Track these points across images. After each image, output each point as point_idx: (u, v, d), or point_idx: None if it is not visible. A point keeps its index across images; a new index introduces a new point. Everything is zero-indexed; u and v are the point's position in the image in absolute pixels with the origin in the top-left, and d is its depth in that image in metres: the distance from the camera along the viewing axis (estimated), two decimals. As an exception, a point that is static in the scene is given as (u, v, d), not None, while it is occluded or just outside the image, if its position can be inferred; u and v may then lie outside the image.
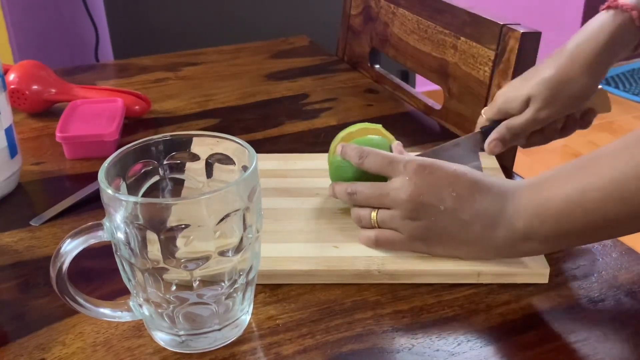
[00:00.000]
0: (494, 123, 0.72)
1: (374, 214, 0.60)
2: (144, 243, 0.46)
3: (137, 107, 0.92)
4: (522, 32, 0.78)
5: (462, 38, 0.87)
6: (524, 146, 0.75)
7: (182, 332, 0.51)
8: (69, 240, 0.47)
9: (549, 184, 0.54)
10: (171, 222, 0.45)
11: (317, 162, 0.74)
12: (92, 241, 0.47)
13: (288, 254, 0.60)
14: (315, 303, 0.56)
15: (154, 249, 0.46)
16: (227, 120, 0.94)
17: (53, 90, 0.93)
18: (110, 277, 0.58)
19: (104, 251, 0.50)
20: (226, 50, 1.20)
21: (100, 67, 1.28)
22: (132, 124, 0.91)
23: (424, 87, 1.49)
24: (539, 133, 0.73)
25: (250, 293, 0.53)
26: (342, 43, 1.18)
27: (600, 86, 0.71)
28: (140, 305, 0.51)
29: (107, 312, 0.51)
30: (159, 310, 0.50)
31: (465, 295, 0.57)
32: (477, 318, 0.54)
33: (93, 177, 0.60)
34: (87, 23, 2.01)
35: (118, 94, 0.93)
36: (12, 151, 0.73)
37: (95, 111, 0.87)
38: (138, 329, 0.54)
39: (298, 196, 0.70)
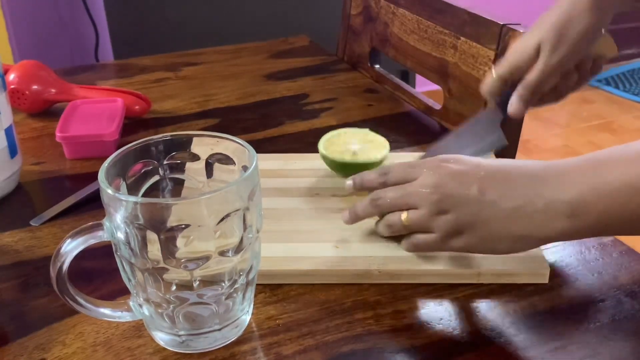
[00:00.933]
0: (505, 93, 0.72)
1: (404, 215, 0.58)
2: (144, 243, 0.46)
3: (137, 107, 0.92)
4: (522, 32, 0.78)
5: (462, 38, 0.87)
6: (538, 105, 0.74)
7: (182, 332, 0.51)
8: (69, 240, 0.47)
9: (607, 158, 0.50)
10: (171, 222, 0.45)
11: (317, 162, 0.74)
12: (92, 241, 0.47)
13: (288, 254, 0.60)
14: (315, 303, 0.56)
15: (154, 249, 0.46)
16: (227, 120, 0.94)
17: (53, 90, 0.93)
18: (110, 277, 0.58)
19: (104, 251, 0.50)
20: (226, 50, 1.20)
21: (100, 67, 1.28)
22: (132, 124, 0.91)
23: (424, 87, 1.49)
24: (552, 90, 0.72)
25: (250, 293, 0.53)
26: (342, 43, 1.18)
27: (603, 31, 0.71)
28: (140, 305, 0.51)
29: (107, 312, 0.51)
30: (159, 310, 0.50)
31: (465, 295, 0.57)
32: (477, 318, 0.54)
33: (93, 177, 0.60)
34: (87, 23, 2.01)
35: (118, 94, 0.93)
36: (12, 151, 0.73)
37: (95, 111, 0.87)
38: (138, 329, 0.54)
39: (298, 196, 0.70)
